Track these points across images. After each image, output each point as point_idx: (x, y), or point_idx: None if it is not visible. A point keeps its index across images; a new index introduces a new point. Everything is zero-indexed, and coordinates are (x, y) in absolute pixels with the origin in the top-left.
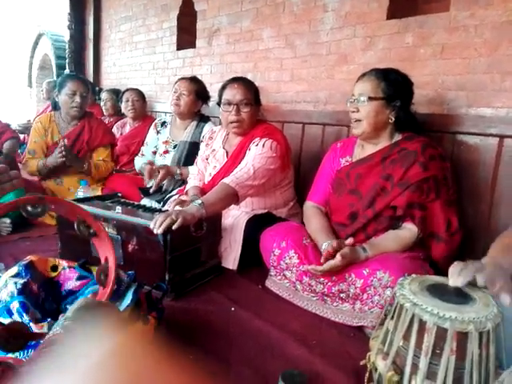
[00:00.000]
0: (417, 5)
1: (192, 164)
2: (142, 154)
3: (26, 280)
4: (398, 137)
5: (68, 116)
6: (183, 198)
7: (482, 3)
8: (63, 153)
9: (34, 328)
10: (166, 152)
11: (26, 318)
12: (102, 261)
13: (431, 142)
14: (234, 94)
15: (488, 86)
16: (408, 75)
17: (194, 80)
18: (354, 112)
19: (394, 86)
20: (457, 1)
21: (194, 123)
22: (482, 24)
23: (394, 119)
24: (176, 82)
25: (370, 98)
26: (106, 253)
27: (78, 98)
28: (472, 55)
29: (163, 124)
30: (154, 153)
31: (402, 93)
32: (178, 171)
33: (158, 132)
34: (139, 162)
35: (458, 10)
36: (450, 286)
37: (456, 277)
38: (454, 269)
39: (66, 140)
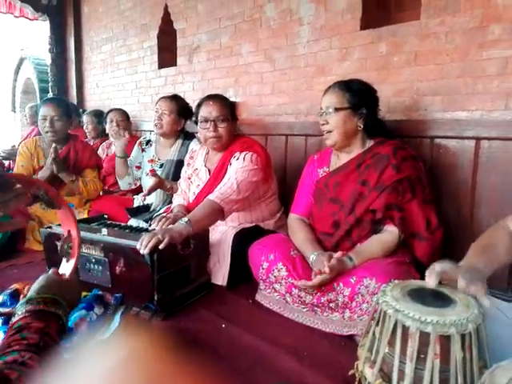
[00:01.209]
0: (389, 14)
1: None
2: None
3: (10, 309)
4: (370, 143)
5: (48, 141)
6: (168, 215)
7: (451, 10)
8: (53, 155)
9: None
10: (153, 171)
11: None
12: (65, 234)
13: (402, 144)
14: (209, 110)
15: (461, 89)
16: (370, 84)
17: (174, 98)
18: (324, 124)
19: (358, 95)
20: (427, 9)
21: (180, 141)
22: (452, 30)
23: (362, 126)
24: (157, 102)
25: (337, 109)
26: (69, 225)
27: (47, 123)
28: (444, 61)
29: (148, 142)
30: (138, 168)
31: (367, 100)
32: (169, 185)
33: (142, 150)
34: (126, 181)
35: (428, 17)
36: (428, 289)
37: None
38: (429, 270)
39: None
